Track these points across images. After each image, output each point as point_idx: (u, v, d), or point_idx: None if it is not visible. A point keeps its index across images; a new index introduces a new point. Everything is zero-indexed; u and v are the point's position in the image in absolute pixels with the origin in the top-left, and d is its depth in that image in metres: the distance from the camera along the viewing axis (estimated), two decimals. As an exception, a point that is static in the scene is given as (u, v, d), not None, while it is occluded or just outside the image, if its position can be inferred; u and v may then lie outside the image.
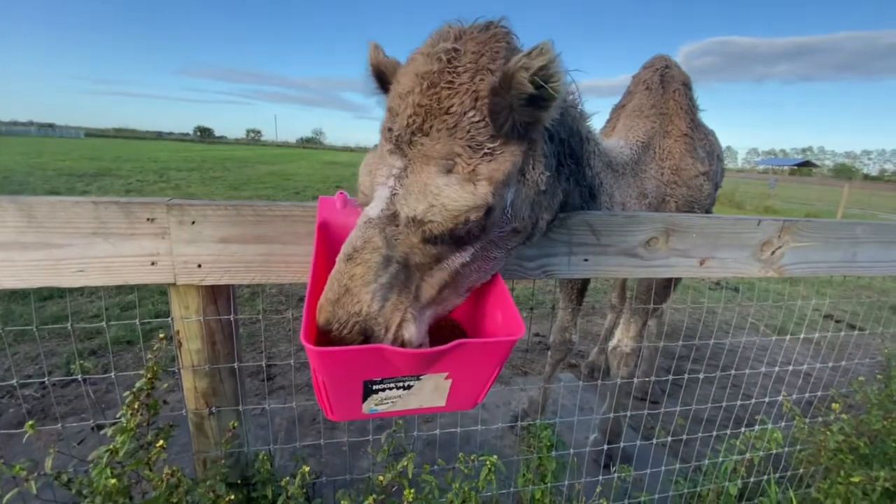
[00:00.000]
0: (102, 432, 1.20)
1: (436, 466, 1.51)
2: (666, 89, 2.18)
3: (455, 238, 0.88)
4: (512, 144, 0.89)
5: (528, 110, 0.86)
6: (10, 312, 4.19)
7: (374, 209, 0.90)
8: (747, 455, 1.90)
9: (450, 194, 0.83)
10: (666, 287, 2.44)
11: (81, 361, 1.28)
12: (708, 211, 2.31)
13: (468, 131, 0.85)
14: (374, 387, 0.89)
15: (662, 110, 2.14)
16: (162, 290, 4.85)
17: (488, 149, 0.86)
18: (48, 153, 25.97)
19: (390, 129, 0.91)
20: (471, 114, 0.85)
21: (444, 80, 0.86)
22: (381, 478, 1.42)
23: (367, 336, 0.86)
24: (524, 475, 1.83)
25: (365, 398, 0.91)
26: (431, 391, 0.94)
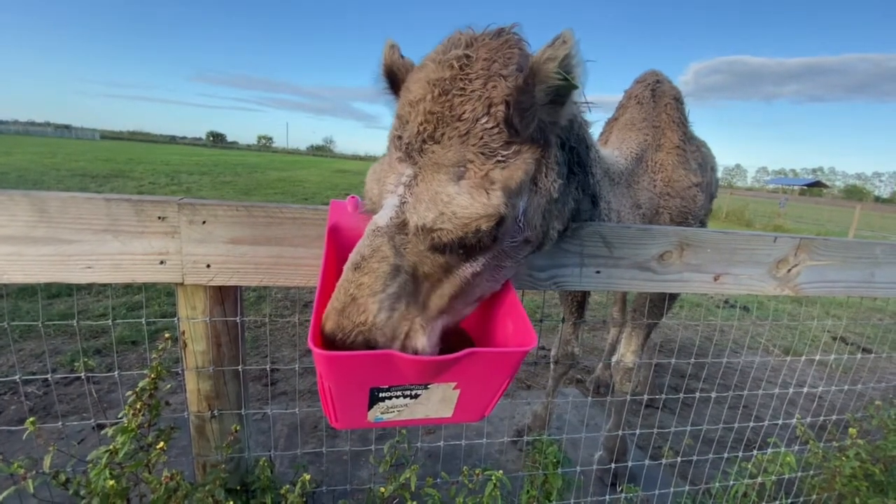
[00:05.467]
0: (103, 432, 1.18)
1: (439, 479, 1.48)
2: (657, 103, 2.19)
3: (465, 247, 0.85)
4: (526, 151, 0.87)
5: (550, 108, 0.85)
6: (18, 309, 4.21)
7: (382, 217, 0.88)
8: (759, 479, 1.84)
9: (461, 202, 0.81)
10: (664, 300, 2.41)
11: (86, 359, 1.27)
12: (703, 222, 2.31)
13: (481, 138, 0.83)
14: (381, 394, 0.86)
15: (655, 123, 2.15)
16: (168, 292, 4.87)
17: (502, 156, 0.84)
18: (63, 154, 26.40)
19: (400, 137, 0.89)
20: (483, 120, 0.83)
21: (457, 86, 0.84)
22: (382, 489, 1.39)
23: (369, 347, 0.84)
24: (528, 492, 1.78)
25: (370, 406, 0.89)
26: (439, 401, 0.92)
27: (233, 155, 57.29)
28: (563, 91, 0.82)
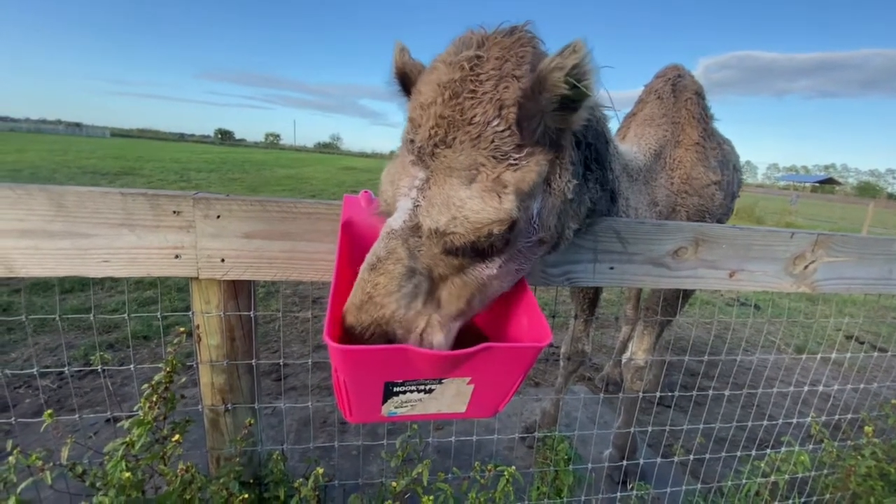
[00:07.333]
0: (119, 425, 1.19)
1: (450, 475, 1.48)
2: (678, 98, 2.14)
3: (478, 250, 0.85)
4: (538, 154, 0.86)
5: (558, 115, 0.83)
6: (32, 304, 4.27)
7: (396, 220, 0.88)
8: (771, 478, 1.82)
9: (472, 206, 0.81)
10: (678, 297, 2.38)
11: (101, 353, 1.28)
12: (721, 221, 2.26)
13: (492, 141, 0.82)
14: (395, 389, 0.87)
15: (674, 119, 2.10)
16: (179, 287, 4.91)
17: (514, 159, 0.84)
18: (74, 151, 26.70)
19: (412, 141, 0.88)
20: (495, 123, 0.82)
21: (467, 89, 0.83)
22: (394, 483, 1.39)
23: (388, 340, 0.86)
24: (538, 488, 1.78)
25: (385, 400, 0.89)
26: (452, 396, 0.92)
27: (241, 152, 57.61)
28: (575, 98, 0.80)
